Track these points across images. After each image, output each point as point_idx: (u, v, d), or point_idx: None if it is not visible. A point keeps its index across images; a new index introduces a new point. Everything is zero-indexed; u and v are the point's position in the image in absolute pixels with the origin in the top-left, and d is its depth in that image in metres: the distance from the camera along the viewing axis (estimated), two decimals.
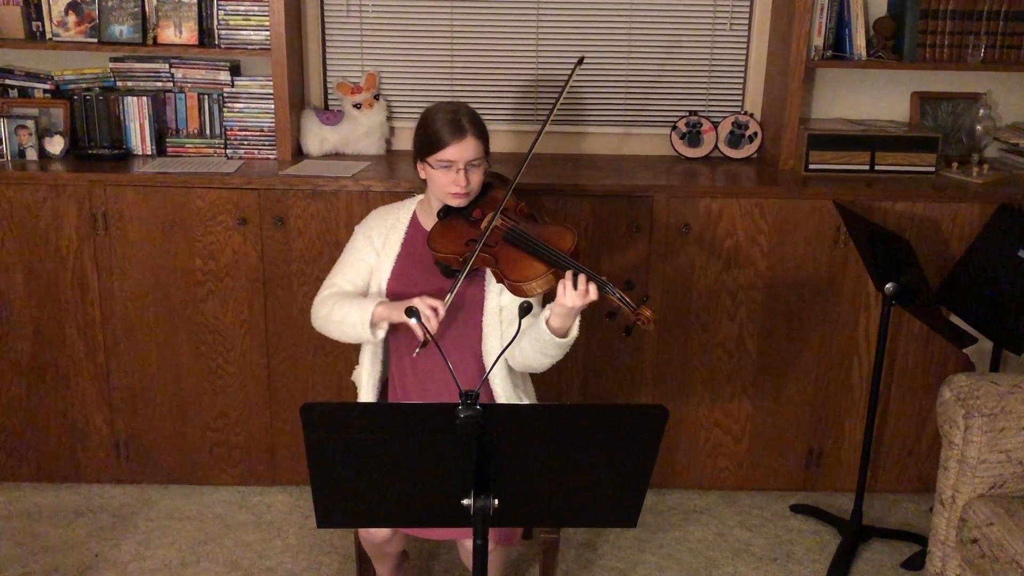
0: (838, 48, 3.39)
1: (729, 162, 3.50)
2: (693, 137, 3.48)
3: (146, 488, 3.33)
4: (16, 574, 2.89)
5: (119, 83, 3.34)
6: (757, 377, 3.26)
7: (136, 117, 3.31)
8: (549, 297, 2.26)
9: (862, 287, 3.18)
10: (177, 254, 3.11)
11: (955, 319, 3.01)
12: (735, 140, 3.50)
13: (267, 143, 3.33)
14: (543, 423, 1.77)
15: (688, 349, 3.23)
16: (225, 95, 3.31)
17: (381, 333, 2.39)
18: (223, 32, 3.26)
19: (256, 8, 3.23)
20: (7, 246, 3.10)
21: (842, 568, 2.98)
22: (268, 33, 3.22)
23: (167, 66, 3.31)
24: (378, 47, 3.51)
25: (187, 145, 3.35)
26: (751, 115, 3.49)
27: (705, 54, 3.54)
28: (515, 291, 2.28)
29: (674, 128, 3.50)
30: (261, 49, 3.25)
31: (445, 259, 2.38)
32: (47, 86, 3.32)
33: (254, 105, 3.31)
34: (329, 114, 3.42)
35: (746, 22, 3.52)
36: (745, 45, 3.54)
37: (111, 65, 3.33)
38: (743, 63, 3.56)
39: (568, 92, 2.53)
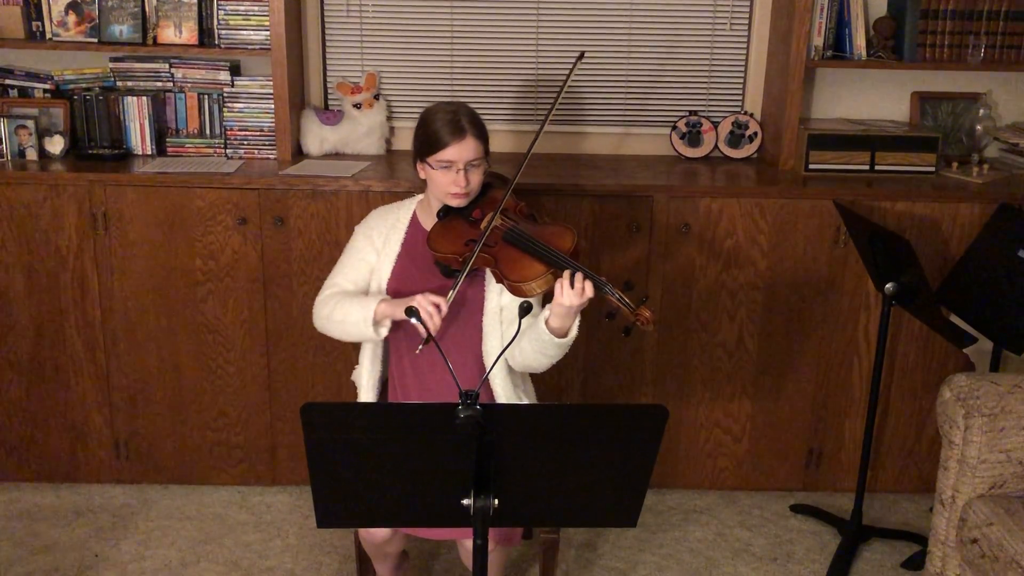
0: (838, 48, 3.39)
1: (729, 162, 3.50)
2: (693, 137, 3.48)
3: (146, 488, 3.33)
4: (16, 574, 2.89)
5: (119, 83, 3.34)
6: (757, 377, 3.26)
7: (136, 117, 3.31)
8: (549, 297, 2.26)
9: (862, 287, 3.18)
10: (177, 254, 3.11)
11: (955, 319, 3.01)
12: (735, 140, 3.50)
13: (267, 143, 3.33)
14: (543, 423, 1.77)
15: (688, 349, 3.23)
16: (225, 95, 3.31)
17: (384, 331, 2.38)
18: (223, 32, 3.26)
19: (256, 8, 3.23)
20: (7, 246, 3.10)
21: (842, 568, 2.98)
22: (268, 33, 3.22)
23: (167, 66, 3.31)
24: (378, 47, 3.51)
25: (187, 145, 3.35)
26: (751, 115, 3.49)
27: (705, 54, 3.54)
28: (514, 291, 2.28)
29: (674, 128, 3.50)
30: (261, 49, 3.25)
31: (445, 259, 2.38)
32: (47, 86, 3.32)
33: (254, 105, 3.31)
34: (329, 114, 3.42)
35: (746, 22, 3.52)
36: (745, 45, 3.54)
37: (111, 65, 3.33)
38: (743, 63, 3.56)
39: (568, 91, 2.53)
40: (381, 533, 2.39)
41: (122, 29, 3.24)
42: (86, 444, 3.29)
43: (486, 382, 2.45)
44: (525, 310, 2.05)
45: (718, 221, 3.12)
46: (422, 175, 2.46)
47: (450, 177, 2.38)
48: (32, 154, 3.23)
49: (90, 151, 3.28)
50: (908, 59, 3.36)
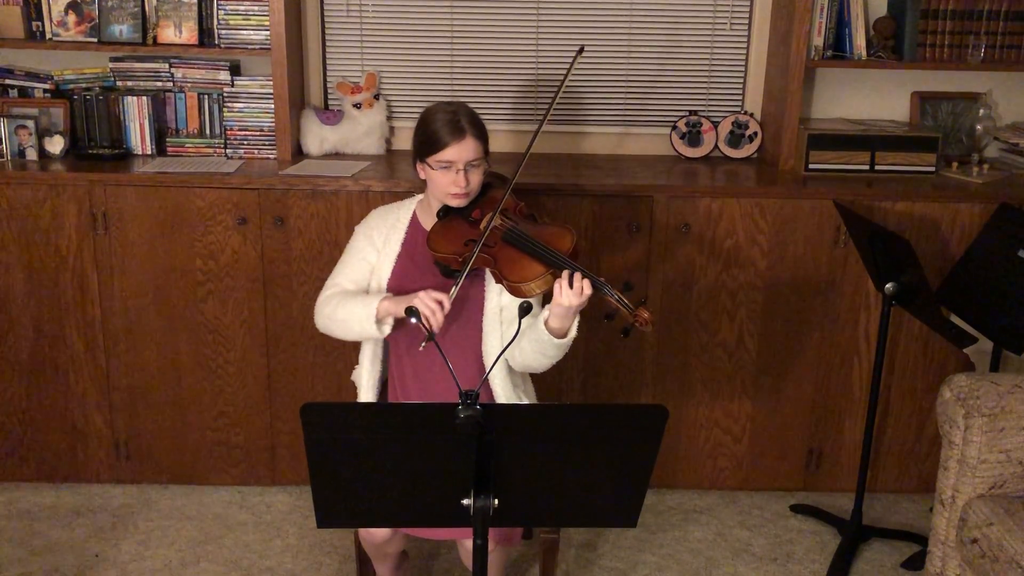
0: (838, 48, 3.39)
1: (729, 162, 3.50)
2: (693, 137, 3.48)
3: (146, 488, 3.33)
4: (16, 574, 2.89)
5: (119, 83, 3.34)
6: (757, 377, 3.26)
7: (136, 117, 3.31)
8: (549, 297, 2.26)
9: (862, 287, 3.18)
10: (177, 254, 3.11)
11: (955, 319, 3.01)
12: (735, 140, 3.50)
13: (267, 143, 3.33)
14: (543, 423, 1.77)
15: (688, 349, 3.23)
16: (225, 95, 3.31)
17: (387, 328, 2.38)
18: (223, 32, 3.26)
19: (256, 8, 3.23)
20: (7, 246, 3.10)
21: (842, 568, 2.98)
22: (268, 33, 3.22)
23: (167, 66, 3.31)
24: (378, 47, 3.51)
25: (187, 145, 3.35)
26: (751, 115, 3.49)
27: (705, 54, 3.54)
28: (514, 291, 2.28)
29: (674, 128, 3.50)
30: (261, 49, 3.25)
31: (444, 259, 2.38)
32: (47, 86, 3.32)
33: (254, 105, 3.31)
34: (329, 114, 3.42)
35: (746, 22, 3.52)
36: (745, 45, 3.54)
37: (111, 65, 3.33)
38: (743, 63, 3.56)
39: (568, 90, 2.53)
40: (381, 533, 2.39)
41: (122, 29, 3.24)
42: (86, 444, 3.29)
43: (486, 382, 2.45)
44: (525, 310, 2.05)
45: (718, 221, 3.12)
46: (422, 175, 2.46)
47: (450, 177, 2.38)
48: (32, 154, 3.23)
49: (90, 151, 3.28)
50: (908, 59, 3.36)
